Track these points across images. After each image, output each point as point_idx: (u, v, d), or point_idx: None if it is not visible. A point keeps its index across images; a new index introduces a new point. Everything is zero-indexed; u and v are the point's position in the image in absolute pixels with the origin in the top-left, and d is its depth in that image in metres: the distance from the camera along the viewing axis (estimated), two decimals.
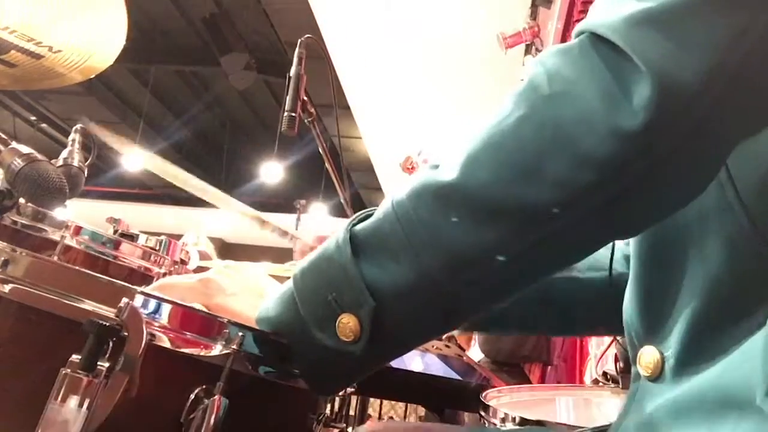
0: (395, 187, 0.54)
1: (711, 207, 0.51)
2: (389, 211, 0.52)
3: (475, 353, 2.96)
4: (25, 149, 0.78)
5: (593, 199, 0.46)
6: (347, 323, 0.52)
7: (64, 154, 0.98)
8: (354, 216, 0.56)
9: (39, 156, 0.78)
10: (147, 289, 0.57)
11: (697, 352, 0.50)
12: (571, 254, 0.53)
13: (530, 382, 3.19)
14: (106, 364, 0.46)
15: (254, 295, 0.62)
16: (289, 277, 0.57)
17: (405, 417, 5.37)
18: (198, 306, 0.60)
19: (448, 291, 0.51)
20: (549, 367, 3.50)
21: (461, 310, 0.54)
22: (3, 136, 0.79)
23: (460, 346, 1.69)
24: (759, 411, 0.43)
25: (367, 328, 0.51)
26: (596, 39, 0.46)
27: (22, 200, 0.87)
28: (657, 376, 0.53)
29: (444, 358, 1.63)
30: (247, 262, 0.68)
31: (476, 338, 3.15)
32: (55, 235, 1.00)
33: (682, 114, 0.43)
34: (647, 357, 0.54)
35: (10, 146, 0.77)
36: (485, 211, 0.48)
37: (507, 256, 0.49)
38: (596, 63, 0.45)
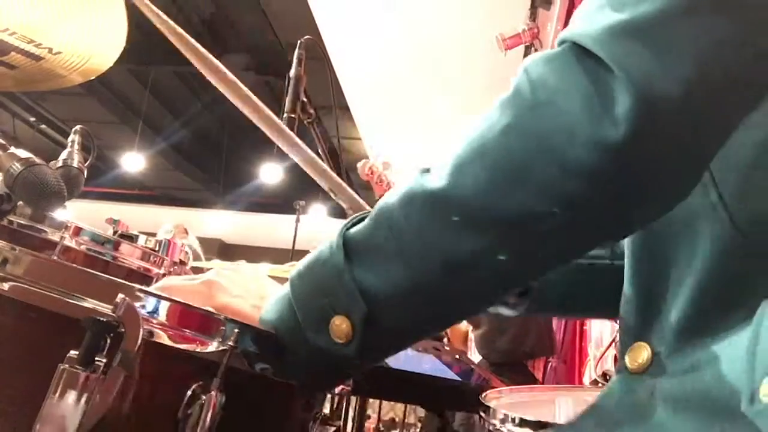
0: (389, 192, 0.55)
1: (698, 207, 0.51)
2: (381, 217, 0.53)
3: (474, 356, 2.93)
4: (23, 153, 0.78)
5: (580, 206, 0.47)
6: (340, 325, 0.53)
7: (64, 155, 0.99)
8: (348, 219, 0.57)
9: (37, 160, 0.78)
10: (148, 289, 0.57)
11: (685, 351, 0.51)
12: (560, 256, 0.53)
13: (536, 380, 3.15)
14: (104, 360, 0.47)
15: (258, 296, 0.63)
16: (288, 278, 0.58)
17: (404, 417, 5.37)
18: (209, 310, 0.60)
19: (440, 295, 0.52)
20: (549, 364, 3.49)
21: (453, 311, 0.56)
22: (1, 140, 0.79)
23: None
24: (743, 417, 0.43)
25: (359, 330, 0.52)
26: (579, 49, 0.46)
27: (20, 203, 0.87)
28: (643, 371, 0.53)
29: (443, 359, 1.63)
30: (244, 262, 0.68)
31: (472, 339, 3.13)
32: (54, 236, 1.00)
33: (663, 123, 0.44)
34: (637, 352, 0.55)
35: (9, 150, 0.78)
36: (473, 218, 0.49)
37: (496, 262, 0.50)
38: (579, 74, 0.46)
